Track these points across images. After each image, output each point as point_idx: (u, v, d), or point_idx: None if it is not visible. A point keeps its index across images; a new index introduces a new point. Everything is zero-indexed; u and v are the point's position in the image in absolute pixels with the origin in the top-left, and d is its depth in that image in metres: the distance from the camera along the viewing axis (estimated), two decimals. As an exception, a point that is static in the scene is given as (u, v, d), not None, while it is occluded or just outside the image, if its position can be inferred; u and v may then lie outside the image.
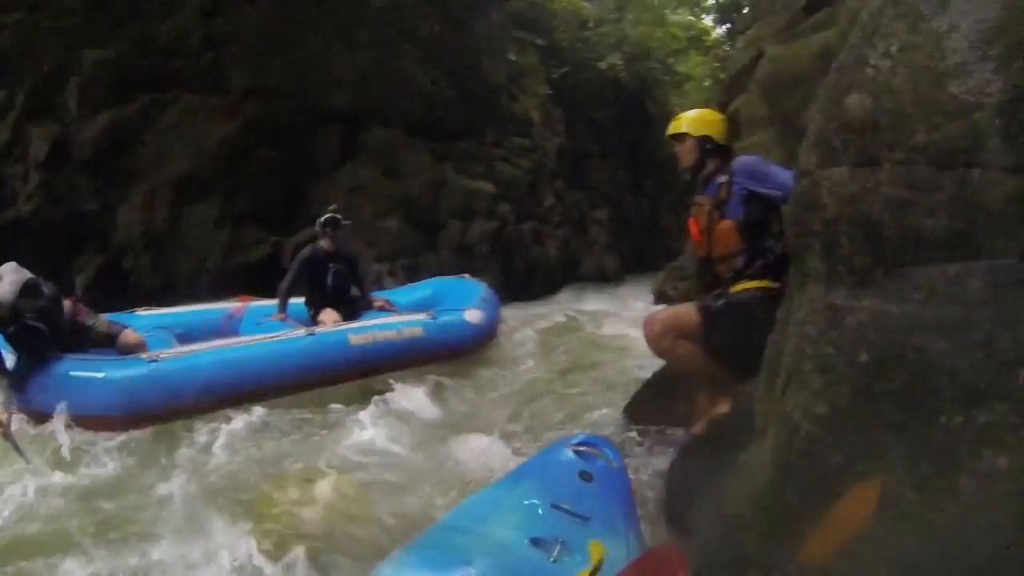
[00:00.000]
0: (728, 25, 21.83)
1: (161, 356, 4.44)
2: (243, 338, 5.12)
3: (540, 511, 2.14)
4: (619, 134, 22.88)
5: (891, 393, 1.55)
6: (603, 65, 20.48)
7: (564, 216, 17.49)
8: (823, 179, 1.68)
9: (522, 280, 12.76)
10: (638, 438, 3.75)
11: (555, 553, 1.90)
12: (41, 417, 4.07)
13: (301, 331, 5.10)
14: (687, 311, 3.04)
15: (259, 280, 10.13)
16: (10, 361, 4.23)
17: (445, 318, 5.71)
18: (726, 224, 3.03)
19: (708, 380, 3.09)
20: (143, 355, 4.50)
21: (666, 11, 25.25)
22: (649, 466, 3.39)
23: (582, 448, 2.74)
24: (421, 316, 5.64)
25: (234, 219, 10.74)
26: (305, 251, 5.83)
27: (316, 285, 5.81)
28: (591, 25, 20.99)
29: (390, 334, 5.23)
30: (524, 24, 18.17)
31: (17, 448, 3.71)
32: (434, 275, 9.20)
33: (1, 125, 10.10)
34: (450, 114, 14.24)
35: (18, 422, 4.03)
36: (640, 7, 23.84)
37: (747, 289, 2.94)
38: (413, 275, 10.51)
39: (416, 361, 5.28)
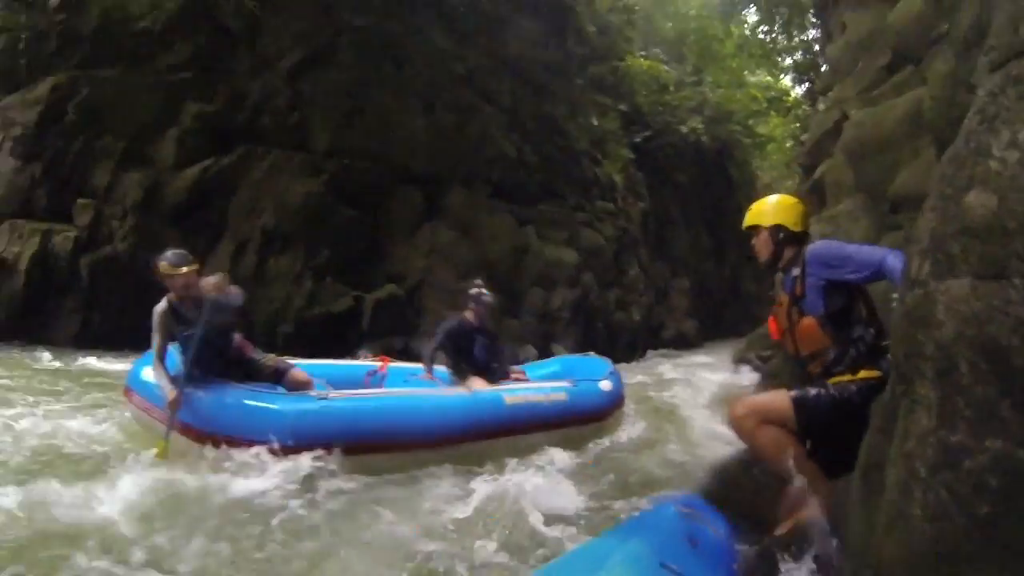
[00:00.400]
0: (807, 84, 21.41)
1: (330, 395, 4.63)
2: (409, 389, 5.58)
3: (649, 569, 2.08)
4: (701, 198, 22.66)
5: (1017, 553, 1.30)
6: (684, 129, 20.42)
7: (647, 285, 17.32)
8: (939, 292, 1.44)
9: (603, 344, 12.50)
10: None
11: None
12: (206, 437, 4.22)
13: (460, 389, 5.55)
14: (779, 398, 2.78)
15: (336, 333, 10.41)
16: (175, 367, 4.43)
17: (584, 386, 6.14)
18: (807, 322, 2.78)
19: (790, 471, 2.80)
20: (311, 393, 4.68)
21: (745, 72, 25.16)
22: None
23: (687, 510, 2.68)
24: (564, 383, 6.08)
25: (315, 272, 10.96)
26: (452, 322, 6.21)
27: (463, 355, 6.13)
28: (671, 89, 20.98)
29: (539, 397, 5.67)
30: (606, 89, 18.32)
31: (169, 431, 4.19)
32: (516, 340, 9.64)
33: (102, 169, 10.79)
34: (532, 177, 14.32)
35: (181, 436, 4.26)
36: (719, 69, 23.82)
37: (846, 381, 2.68)
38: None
39: (559, 424, 5.64)
